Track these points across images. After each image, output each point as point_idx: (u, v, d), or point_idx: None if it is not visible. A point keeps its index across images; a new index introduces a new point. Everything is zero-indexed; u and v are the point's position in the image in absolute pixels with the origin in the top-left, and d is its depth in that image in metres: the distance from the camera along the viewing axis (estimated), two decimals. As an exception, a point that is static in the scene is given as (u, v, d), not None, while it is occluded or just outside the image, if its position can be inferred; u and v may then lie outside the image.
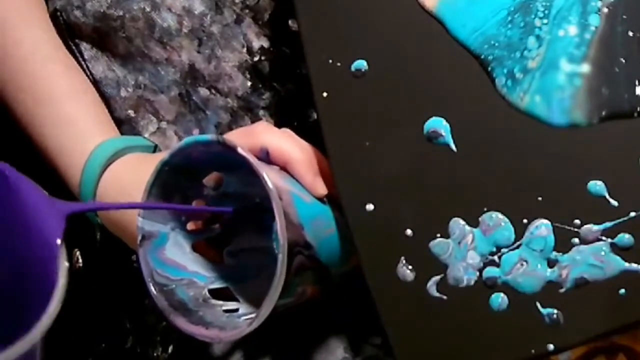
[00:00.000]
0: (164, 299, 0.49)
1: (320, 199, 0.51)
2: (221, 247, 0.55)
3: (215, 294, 0.52)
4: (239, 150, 0.47)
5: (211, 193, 0.53)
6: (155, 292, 0.49)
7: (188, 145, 0.48)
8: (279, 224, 0.45)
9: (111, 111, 0.63)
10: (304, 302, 0.51)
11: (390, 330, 0.48)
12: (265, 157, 0.51)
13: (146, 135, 0.63)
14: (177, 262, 0.51)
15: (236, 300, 0.52)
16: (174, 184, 0.50)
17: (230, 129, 0.63)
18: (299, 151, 0.51)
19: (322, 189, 0.51)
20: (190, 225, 0.53)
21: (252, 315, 0.46)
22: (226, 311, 0.51)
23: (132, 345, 0.63)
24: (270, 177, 0.46)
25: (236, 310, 0.51)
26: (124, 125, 0.63)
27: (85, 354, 0.63)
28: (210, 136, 0.48)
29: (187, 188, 0.52)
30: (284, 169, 0.51)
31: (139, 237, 0.49)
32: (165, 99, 0.63)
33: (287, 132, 0.54)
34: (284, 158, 0.51)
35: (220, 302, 0.51)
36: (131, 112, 0.63)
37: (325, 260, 0.50)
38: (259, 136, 0.51)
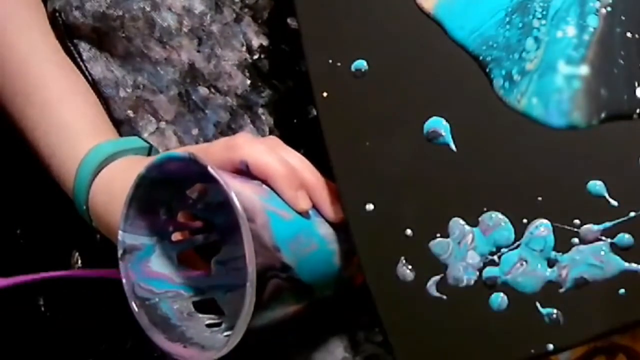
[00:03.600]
0: (144, 313, 0.48)
1: (303, 215, 0.50)
2: (209, 256, 0.54)
3: (200, 306, 0.51)
4: (210, 170, 0.45)
5: (197, 206, 0.53)
6: (136, 309, 0.48)
7: (162, 161, 0.48)
8: (247, 253, 0.43)
9: (110, 112, 0.63)
10: (291, 317, 0.50)
11: (390, 330, 0.48)
12: (247, 170, 0.50)
13: (145, 135, 0.63)
14: (163, 274, 0.51)
15: (221, 312, 0.52)
16: (156, 196, 0.50)
17: (230, 127, 0.62)
18: (279, 165, 0.50)
19: (304, 204, 0.50)
20: (174, 237, 0.52)
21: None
22: (210, 325, 0.50)
23: (133, 346, 0.63)
24: (244, 196, 0.45)
25: (220, 324, 0.51)
26: (123, 125, 0.63)
27: (85, 354, 0.63)
28: (182, 153, 0.47)
29: (171, 200, 0.51)
30: (266, 183, 0.50)
31: (120, 251, 0.49)
32: (164, 99, 0.63)
33: (272, 141, 0.53)
34: (263, 172, 0.49)
35: (205, 316, 0.51)
36: (130, 113, 0.63)
37: (307, 279, 0.49)
38: (239, 149, 0.50)
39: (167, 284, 0.51)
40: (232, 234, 0.54)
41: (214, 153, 0.51)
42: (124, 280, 0.49)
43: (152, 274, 0.50)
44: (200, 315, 0.51)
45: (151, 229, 0.51)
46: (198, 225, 0.54)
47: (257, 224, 0.45)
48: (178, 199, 0.51)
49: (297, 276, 0.48)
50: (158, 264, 0.51)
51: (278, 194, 0.50)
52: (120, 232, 0.49)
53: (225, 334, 0.49)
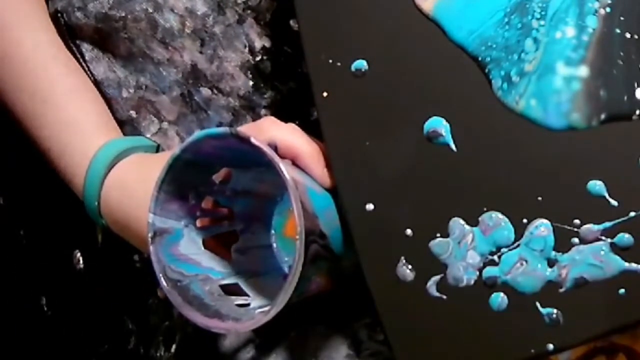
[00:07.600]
0: (177, 294, 0.49)
1: (331, 191, 0.51)
2: (229, 244, 0.55)
3: (225, 291, 0.52)
4: (253, 141, 0.46)
5: (225, 192, 0.53)
6: (168, 287, 0.49)
7: (199, 139, 0.48)
8: (296, 211, 0.45)
9: (112, 112, 0.63)
10: (316, 294, 0.51)
11: (389, 330, 0.48)
12: (274, 151, 0.51)
13: (148, 136, 0.63)
14: (191, 257, 0.51)
15: (246, 295, 0.52)
16: (186, 179, 0.50)
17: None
18: (308, 144, 0.51)
19: (331, 181, 0.51)
20: (199, 222, 0.53)
21: (266, 309, 0.46)
22: (239, 305, 0.51)
23: (135, 346, 0.63)
24: (284, 166, 0.47)
25: (248, 304, 0.51)
26: (125, 126, 0.64)
27: (88, 355, 0.63)
28: (223, 129, 0.48)
29: (199, 184, 0.52)
30: (293, 162, 0.52)
31: (150, 234, 0.49)
32: (166, 100, 0.63)
33: (293, 126, 0.54)
34: (293, 151, 0.51)
35: (233, 297, 0.51)
36: (133, 113, 0.64)
37: (338, 251, 0.50)
38: (267, 131, 0.51)
39: (196, 267, 0.51)
40: (250, 223, 0.55)
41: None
42: (154, 263, 0.49)
43: (182, 257, 0.51)
44: (230, 297, 0.51)
45: (180, 213, 0.51)
46: (224, 212, 0.55)
47: (299, 191, 0.46)
48: (204, 184, 0.52)
49: (330, 245, 0.49)
50: (186, 248, 0.51)
51: (306, 173, 0.51)
52: (150, 214, 0.49)
53: (258, 311, 0.49)
